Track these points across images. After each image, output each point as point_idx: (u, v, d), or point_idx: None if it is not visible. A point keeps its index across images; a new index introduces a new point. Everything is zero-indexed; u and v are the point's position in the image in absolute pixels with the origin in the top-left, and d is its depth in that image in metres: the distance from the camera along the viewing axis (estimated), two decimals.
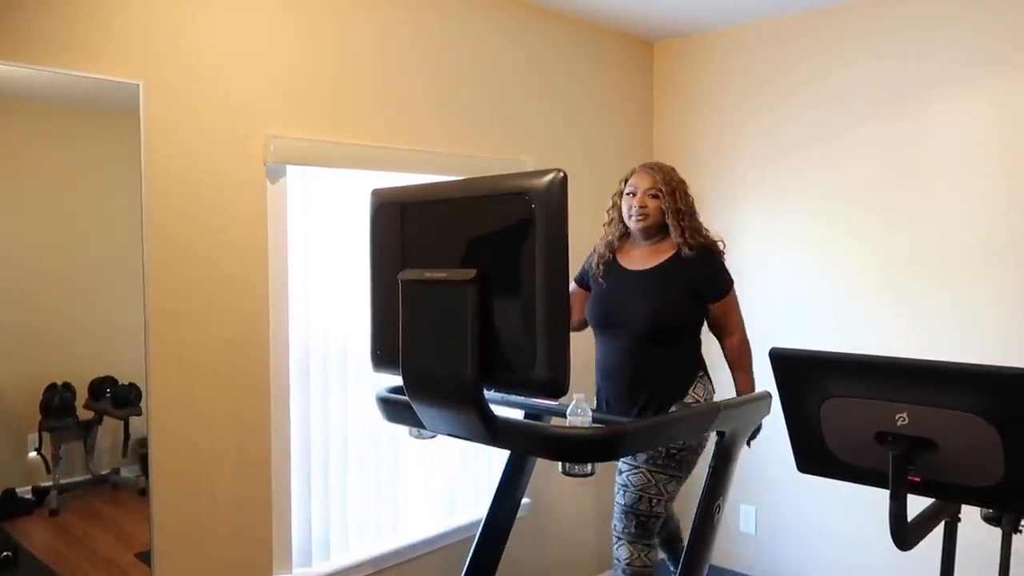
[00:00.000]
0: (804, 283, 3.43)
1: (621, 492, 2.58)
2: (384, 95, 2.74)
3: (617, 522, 2.58)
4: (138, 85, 2.14)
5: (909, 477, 1.58)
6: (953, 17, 2.98)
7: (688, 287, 2.52)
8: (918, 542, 1.72)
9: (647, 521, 2.52)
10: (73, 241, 2.17)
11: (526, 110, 3.26)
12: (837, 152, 3.30)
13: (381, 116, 2.74)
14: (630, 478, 2.55)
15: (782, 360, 1.71)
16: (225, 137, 2.33)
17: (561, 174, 1.50)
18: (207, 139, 2.29)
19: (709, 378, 2.63)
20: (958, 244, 3.01)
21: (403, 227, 1.80)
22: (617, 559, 2.57)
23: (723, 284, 2.58)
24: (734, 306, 2.62)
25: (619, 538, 2.57)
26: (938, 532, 1.93)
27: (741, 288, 2.65)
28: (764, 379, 1.97)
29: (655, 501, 2.52)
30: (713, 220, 2.59)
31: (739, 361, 2.63)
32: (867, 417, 1.61)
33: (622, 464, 2.61)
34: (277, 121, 2.44)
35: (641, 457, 2.53)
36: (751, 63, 3.55)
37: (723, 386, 2.68)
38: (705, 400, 2.56)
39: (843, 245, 3.31)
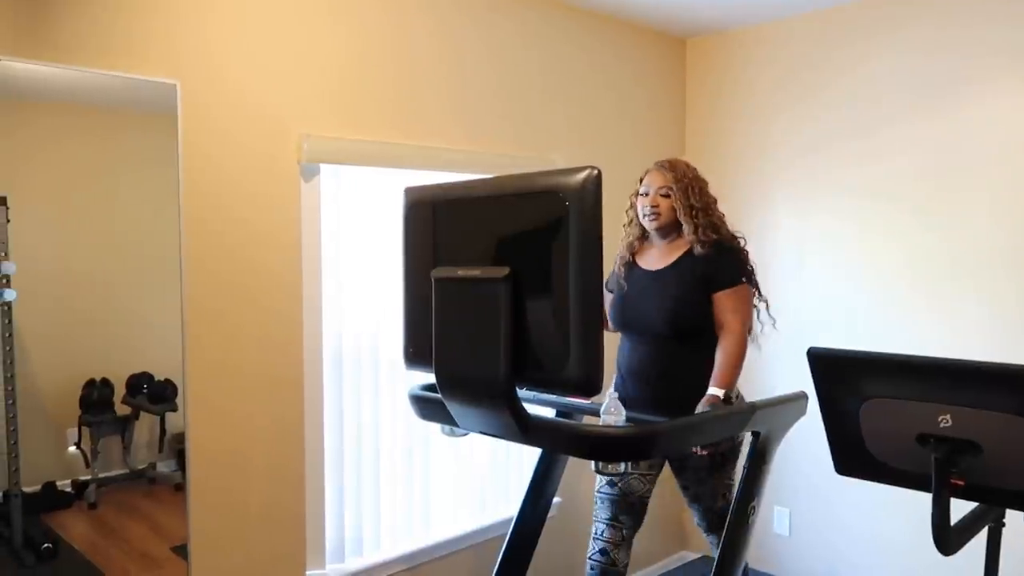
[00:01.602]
0: (839, 281, 3.37)
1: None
2: (416, 94, 2.75)
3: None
4: (175, 85, 2.16)
5: (952, 480, 1.54)
6: (994, 10, 2.91)
7: (701, 282, 2.47)
8: (961, 547, 1.68)
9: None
10: (111, 240, 2.20)
11: (558, 108, 3.25)
12: (872, 150, 3.24)
13: (413, 115, 2.74)
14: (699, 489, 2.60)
15: (820, 360, 1.68)
16: (260, 136, 2.35)
17: (596, 171, 1.49)
18: (243, 138, 2.32)
19: None
20: (998, 244, 2.93)
21: (435, 225, 1.80)
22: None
23: (731, 274, 2.46)
24: (741, 302, 2.45)
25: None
26: (980, 536, 1.88)
27: (774, 284, 2.59)
28: (801, 379, 1.94)
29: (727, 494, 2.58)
30: (746, 217, 2.55)
31: (721, 359, 2.38)
32: (908, 419, 1.57)
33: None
34: (311, 120, 2.46)
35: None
36: (785, 59, 3.50)
37: (751, 386, 2.65)
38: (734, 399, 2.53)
39: (879, 244, 3.25)
